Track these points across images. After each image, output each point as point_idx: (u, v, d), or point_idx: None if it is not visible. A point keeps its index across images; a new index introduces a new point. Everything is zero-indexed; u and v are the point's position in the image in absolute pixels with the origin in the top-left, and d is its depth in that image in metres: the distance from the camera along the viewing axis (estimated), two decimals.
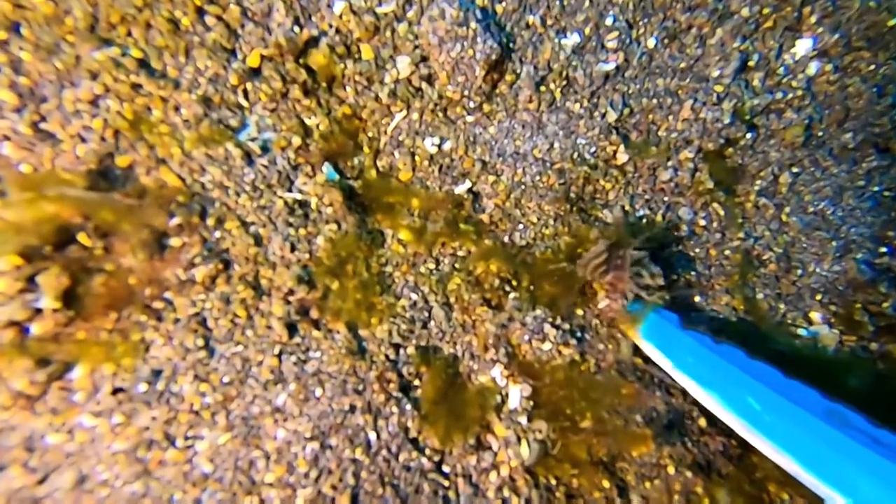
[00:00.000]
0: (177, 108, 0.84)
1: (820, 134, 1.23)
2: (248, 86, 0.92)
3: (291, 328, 0.85)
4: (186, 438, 0.71)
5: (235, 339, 0.79)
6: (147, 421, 0.69)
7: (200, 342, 0.76)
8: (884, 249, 1.20)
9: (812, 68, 1.21)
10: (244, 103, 0.92)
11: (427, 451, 0.88)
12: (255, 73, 0.93)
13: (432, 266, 1.05)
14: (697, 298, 1.20)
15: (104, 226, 0.70)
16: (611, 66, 1.16)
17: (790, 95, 1.20)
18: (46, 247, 0.66)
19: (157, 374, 0.72)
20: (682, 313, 1.05)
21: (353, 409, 0.83)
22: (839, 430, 0.74)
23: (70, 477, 0.64)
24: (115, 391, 0.69)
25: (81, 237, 0.69)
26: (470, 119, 1.12)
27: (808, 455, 0.74)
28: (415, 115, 1.09)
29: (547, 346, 0.97)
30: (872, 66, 1.19)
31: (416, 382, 0.95)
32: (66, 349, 0.67)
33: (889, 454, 0.72)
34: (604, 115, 1.17)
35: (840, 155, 1.24)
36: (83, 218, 0.69)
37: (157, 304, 0.76)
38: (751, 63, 1.21)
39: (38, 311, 0.65)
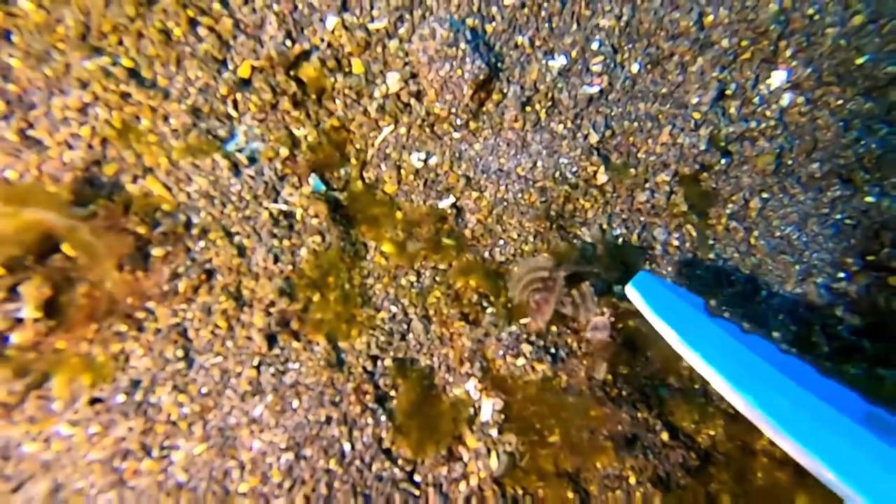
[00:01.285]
0: (165, 118, 0.85)
1: (789, 163, 1.29)
2: (238, 96, 0.93)
3: (271, 339, 0.87)
4: (162, 448, 0.72)
5: (215, 350, 0.81)
6: (124, 431, 0.71)
7: (180, 353, 0.78)
8: (842, 275, 1.26)
9: (785, 100, 1.26)
10: (233, 114, 0.93)
11: (400, 462, 0.91)
12: (246, 83, 0.94)
13: (413, 279, 1.08)
14: None
15: (84, 245, 0.71)
16: (595, 90, 1.19)
17: (763, 125, 1.26)
18: (29, 256, 0.67)
19: (135, 384, 0.74)
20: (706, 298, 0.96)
21: (328, 420, 0.86)
22: (879, 437, 0.67)
23: (45, 486, 0.66)
24: (93, 401, 0.70)
25: (65, 247, 0.70)
26: (456, 136, 1.14)
27: (843, 461, 0.66)
28: (402, 130, 1.11)
29: (521, 361, 1.01)
30: (840, 101, 1.24)
31: (392, 393, 0.98)
32: (45, 359, 0.68)
33: None
34: (586, 137, 1.21)
35: (807, 183, 1.30)
36: (65, 229, 0.70)
37: (139, 314, 0.77)
38: (728, 92, 1.25)
39: (19, 320, 0.66)
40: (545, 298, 1.00)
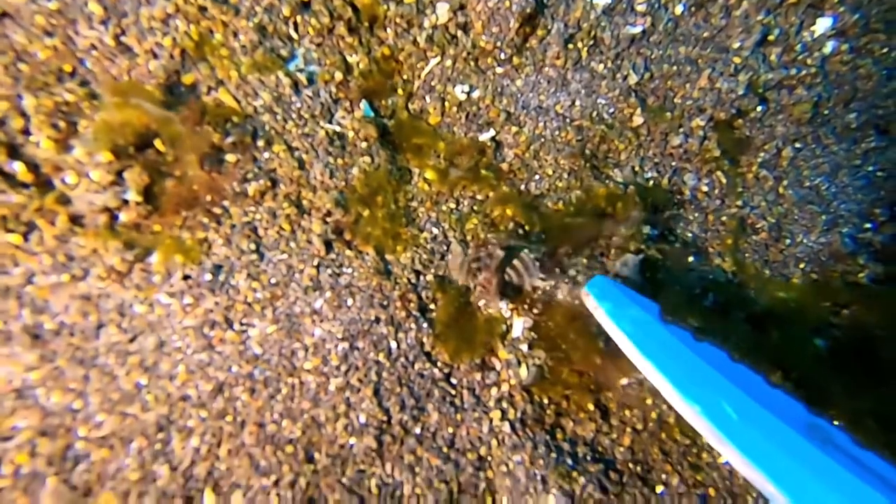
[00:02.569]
0: (235, 34, 0.91)
1: (826, 112, 1.30)
2: (299, 19, 0.98)
3: (328, 245, 0.95)
4: (241, 324, 0.82)
5: (281, 249, 0.89)
6: (211, 305, 0.80)
7: (252, 247, 0.86)
8: (868, 225, 1.29)
9: (828, 47, 1.26)
10: (294, 35, 0.98)
11: (439, 364, 1.01)
12: (306, 6, 0.98)
13: (453, 206, 1.14)
14: (691, 259, 1.31)
15: (173, 138, 0.78)
16: (637, 30, 1.21)
17: (804, 72, 1.26)
18: (130, 148, 0.75)
19: (217, 268, 0.83)
20: (662, 305, 0.98)
21: (377, 320, 0.95)
22: (819, 449, 0.67)
23: (152, 340, 0.76)
24: (185, 277, 0.80)
25: (157, 143, 0.78)
26: (499, 70, 1.18)
27: (782, 473, 0.66)
28: (448, 62, 1.15)
29: (548, 282, 1.08)
30: (886, 49, 1.24)
31: (432, 306, 1.06)
32: (145, 238, 0.77)
33: (870, 479, 0.65)
34: (625, 78, 1.23)
35: (842, 134, 1.31)
36: (157, 129, 0.77)
37: (217, 210, 0.85)
38: (771, 37, 1.26)
39: (125, 202, 0.75)
40: (488, 278, 1.03)
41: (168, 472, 0.73)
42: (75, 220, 0.75)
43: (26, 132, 0.74)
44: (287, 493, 0.78)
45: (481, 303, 1.05)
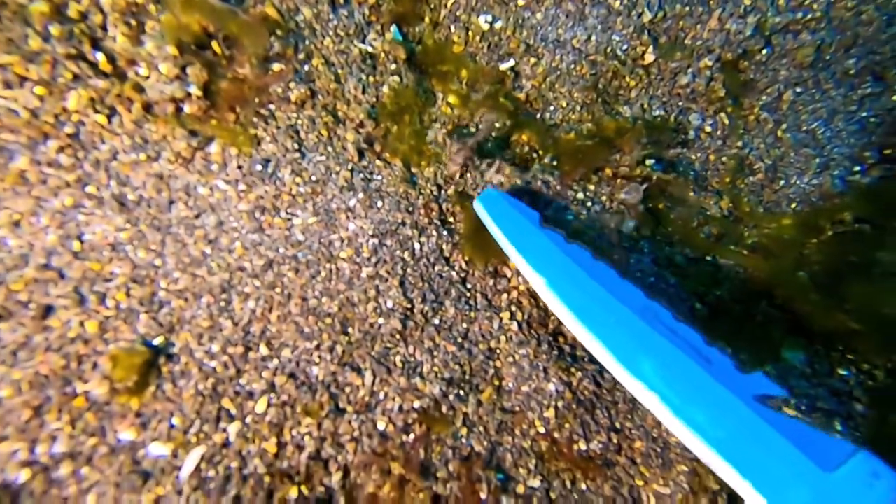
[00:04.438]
0: None
1: (828, 57, 1.37)
2: None
3: (360, 153, 1.05)
4: (287, 213, 0.93)
5: (320, 151, 1.00)
6: (262, 192, 0.91)
7: (295, 146, 0.97)
8: (858, 168, 1.38)
9: None
10: None
11: (456, 268, 1.12)
12: None
13: (474, 129, 1.23)
14: (692, 193, 1.40)
15: (229, 36, 0.87)
16: None
17: (809, 16, 1.33)
18: (192, 46, 0.84)
19: (266, 161, 0.93)
20: (542, 213, 1.11)
21: (404, 223, 1.06)
22: (647, 323, 0.87)
23: (214, 219, 0.87)
24: (239, 167, 0.90)
25: (214, 44, 0.87)
26: (521, 2, 1.25)
27: (612, 339, 0.85)
28: None
29: (557, 202, 1.19)
30: None
31: (451, 219, 1.17)
32: (205, 128, 0.87)
33: (681, 344, 0.85)
34: (640, 15, 1.30)
35: (841, 79, 1.38)
36: (215, 28, 0.86)
37: (264, 112, 0.95)
38: None
39: (189, 94, 0.85)
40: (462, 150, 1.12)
41: (231, 325, 0.85)
42: (148, 108, 0.85)
43: (104, 27, 0.83)
44: (326, 355, 0.91)
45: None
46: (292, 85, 1.00)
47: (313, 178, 0.97)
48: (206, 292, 0.85)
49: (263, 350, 0.86)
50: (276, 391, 0.87)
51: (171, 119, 0.84)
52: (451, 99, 1.22)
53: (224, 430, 0.81)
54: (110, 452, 0.73)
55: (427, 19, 1.23)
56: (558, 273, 0.93)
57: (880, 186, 1.36)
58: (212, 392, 0.81)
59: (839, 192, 1.39)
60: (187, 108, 0.85)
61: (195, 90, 0.84)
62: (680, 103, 1.38)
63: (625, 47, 1.31)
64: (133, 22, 0.83)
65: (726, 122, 1.40)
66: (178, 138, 0.85)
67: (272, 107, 0.96)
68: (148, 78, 0.83)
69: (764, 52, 1.35)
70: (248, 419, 0.83)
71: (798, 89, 1.39)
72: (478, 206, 1.03)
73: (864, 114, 1.39)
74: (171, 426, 0.77)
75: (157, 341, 0.80)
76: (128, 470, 0.72)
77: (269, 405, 0.86)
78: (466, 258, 1.15)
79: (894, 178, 1.35)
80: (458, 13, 1.23)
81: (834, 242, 1.36)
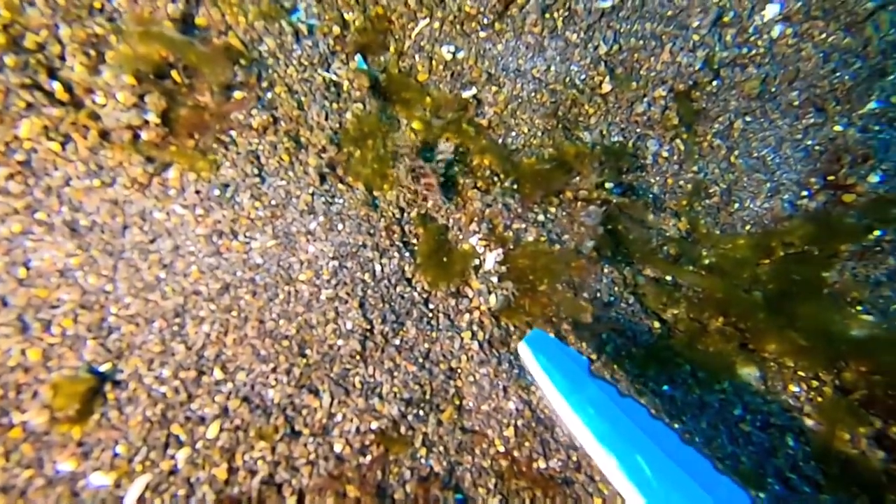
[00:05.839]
0: None
1: (773, 90, 1.46)
2: None
3: (322, 177, 1.07)
4: (245, 236, 0.94)
5: (281, 176, 1.01)
6: (220, 216, 0.92)
7: (255, 171, 0.98)
8: (805, 193, 1.46)
9: (776, 31, 1.42)
10: None
11: (418, 289, 1.14)
12: None
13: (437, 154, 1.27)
14: (651, 216, 1.46)
15: (189, 66, 0.90)
16: (608, 4, 1.35)
17: (754, 52, 1.42)
18: (150, 75, 0.86)
19: (225, 186, 0.95)
20: (591, 360, 1.02)
21: (365, 245, 1.08)
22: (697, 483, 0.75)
23: (169, 243, 0.88)
24: (197, 192, 0.92)
25: (174, 73, 0.89)
26: (482, 34, 1.31)
27: None
28: (436, 24, 1.27)
29: (518, 225, 1.22)
30: (824, 35, 1.40)
31: (414, 241, 1.19)
32: (163, 154, 0.88)
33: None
34: (596, 48, 1.37)
35: (786, 110, 1.47)
36: (175, 58, 0.88)
37: (224, 138, 0.97)
38: (726, 18, 1.41)
39: (146, 122, 0.86)
40: (429, 182, 1.15)
41: (184, 350, 0.85)
42: (104, 135, 0.86)
43: (62, 57, 0.85)
44: (283, 378, 0.91)
45: (456, 235, 1.19)
46: (254, 112, 1.02)
47: (273, 202, 0.99)
48: (159, 317, 0.85)
49: (218, 374, 0.86)
50: (229, 415, 0.87)
51: (128, 146, 0.86)
52: (415, 125, 1.25)
53: (172, 457, 0.80)
54: (47, 484, 0.71)
55: (392, 49, 1.27)
56: (620, 442, 0.79)
57: (825, 211, 1.43)
58: (160, 418, 0.81)
59: (788, 215, 1.46)
60: (145, 135, 0.87)
61: (153, 117, 0.86)
62: (638, 130, 1.44)
63: (583, 77, 1.37)
64: (93, 52, 0.85)
65: (682, 147, 1.47)
66: (135, 164, 0.86)
67: (233, 133, 0.98)
68: (105, 106, 0.84)
69: (714, 83, 1.43)
70: (199, 445, 0.82)
71: (747, 118, 1.47)
72: (522, 349, 0.93)
73: (809, 142, 1.48)
74: (115, 454, 0.76)
75: (104, 367, 0.79)
76: (65, 502, 0.70)
77: (221, 430, 0.85)
78: (429, 278, 1.17)
79: (837, 203, 1.43)
80: (422, 43, 1.28)
81: (784, 263, 1.43)
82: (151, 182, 0.88)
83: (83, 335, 0.79)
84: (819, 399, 1.24)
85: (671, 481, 0.75)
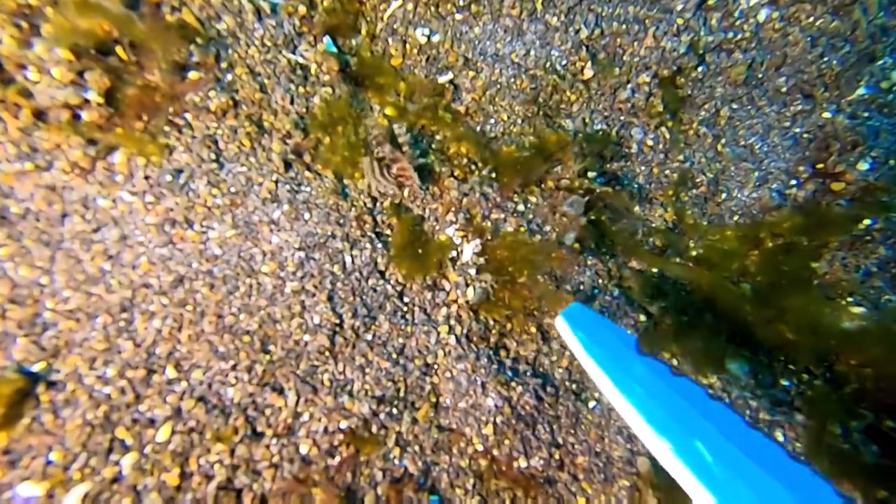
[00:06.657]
0: None
1: (760, 76, 1.42)
2: None
3: (287, 164, 1.01)
4: (202, 225, 0.88)
5: (241, 162, 0.95)
6: (172, 205, 0.86)
7: (213, 157, 0.92)
8: (793, 182, 1.42)
9: (762, 15, 1.38)
10: None
11: (392, 282, 1.08)
12: None
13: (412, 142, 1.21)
14: (637, 208, 1.41)
15: (136, 42, 0.83)
16: None
17: (740, 36, 1.37)
18: (91, 51, 0.79)
19: (178, 172, 0.88)
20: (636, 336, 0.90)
21: (333, 235, 1.02)
22: (793, 493, 0.63)
23: (115, 233, 0.81)
24: (146, 178, 0.85)
25: (119, 50, 0.83)
26: (458, 17, 1.26)
27: None
28: (410, 6, 1.21)
29: (497, 215, 1.17)
30: (811, 18, 1.36)
31: (388, 232, 1.13)
32: (108, 137, 0.82)
33: None
34: (577, 32, 1.32)
35: (773, 96, 1.43)
36: (120, 33, 0.82)
37: (178, 121, 0.90)
38: (711, 2, 1.36)
39: (87, 101, 0.80)
40: (402, 168, 1.06)
41: (132, 347, 0.79)
42: (39, 115, 0.80)
43: None
44: (244, 375, 0.85)
45: (430, 224, 1.13)
46: (212, 94, 0.96)
47: (232, 189, 0.93)
48: (104, 312, 0.78)
49: (170, 372, 0.80)
50: (182, 417, 0.80)
51: (66, 126, 0.79)
52: (389, 111, 1.20)
53: (116, 463, 0.73)
54: None
55: (364, 31, 1.21)
56: (675, 425, 0.69)
57: (814, 200, 1.39)
58: (103, 421, 0.74)
59: (777, 205, 1.42)
60: (86, 116, 0.80)
61: (94, 96, 0.79)
62: (621, 117, 1.40)
63: (564, 62, 1.32)
64: (24, 24, 0.78)
65: (667, 136, 1.42)
66: (74, 147, 0.79)
67: (188, 116, 0.92)
68: (38, 83, 0.78)
69: (699, 69, 1.39)
70: (148, 449, 0.76)
71: (734, 105, 1.43)
72: (560, 324, 0.86)
73: (797, 130, 1.44)
74: (49, 462, 0.69)
75: (37, 367, 0.73)
76: None
77: (173, 432, 0.79)
78: (404, 270, 1.11)
79: (826, 192, 1.39)
80: (395, 26, 1.23)
81: (773, 254, 1.39)
82: (95, 167, 0.81)
83: (12, 332, 0.73)
84: (809, 393, 1.19)
85: (738, 471, 0.64)
